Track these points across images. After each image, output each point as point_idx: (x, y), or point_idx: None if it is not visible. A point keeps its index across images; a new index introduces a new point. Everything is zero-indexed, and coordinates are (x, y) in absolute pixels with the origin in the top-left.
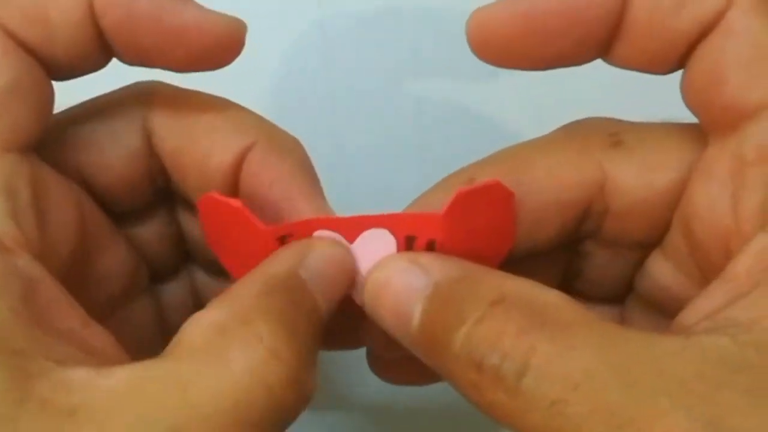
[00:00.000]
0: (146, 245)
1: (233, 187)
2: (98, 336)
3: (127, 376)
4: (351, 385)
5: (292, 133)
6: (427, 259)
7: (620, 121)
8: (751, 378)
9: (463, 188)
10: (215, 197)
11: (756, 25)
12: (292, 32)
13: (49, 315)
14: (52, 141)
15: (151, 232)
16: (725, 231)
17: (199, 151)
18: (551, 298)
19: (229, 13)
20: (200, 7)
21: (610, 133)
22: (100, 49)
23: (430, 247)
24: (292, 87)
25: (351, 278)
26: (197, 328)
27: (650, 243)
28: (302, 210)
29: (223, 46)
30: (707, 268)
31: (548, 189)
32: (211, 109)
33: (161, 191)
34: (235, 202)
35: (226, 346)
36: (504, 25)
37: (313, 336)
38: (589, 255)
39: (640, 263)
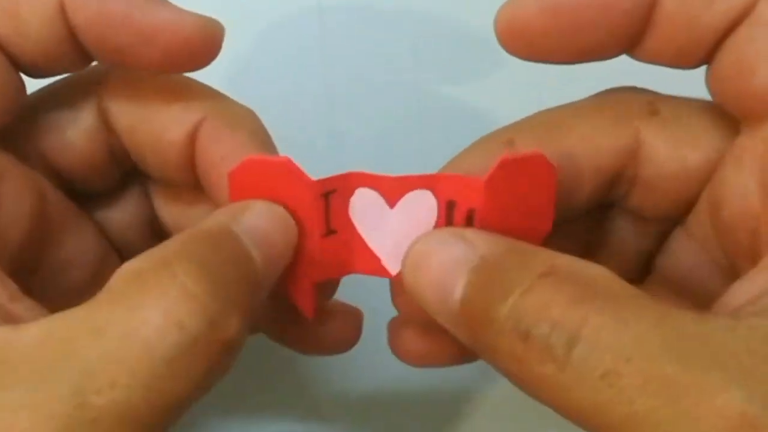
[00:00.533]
0: (119, 231)
1: (189, 163)
2: (28, 312)
3: (42, 327)
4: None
5: (291, 127)
6: (472, 233)
7: (655, 92)
8: None
9: (507, 156)
10: (257, 158)
11: None
12: (291, 25)
13: None
14: (15, 129)
15: (123, 218)
16: (754, 218)
17: (152, 128)
18: (600, 272)
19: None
20: (175, 8)
21: (648, 101)
22: (74, 48)
23: (470, 216)
24: (291, 81)
25: (293, 238)
26: (118, 276)
27: (672, 219)
28: None
29: (196, 47)
30: (734, 252)
31: (585, 152)
32: (163, 86)
33: (132, 175)
34: (282, 158)
35: (141, 289)
36: (533, 19)
37: (242, 285)
38: (610, 230)
39: (659, 244)
